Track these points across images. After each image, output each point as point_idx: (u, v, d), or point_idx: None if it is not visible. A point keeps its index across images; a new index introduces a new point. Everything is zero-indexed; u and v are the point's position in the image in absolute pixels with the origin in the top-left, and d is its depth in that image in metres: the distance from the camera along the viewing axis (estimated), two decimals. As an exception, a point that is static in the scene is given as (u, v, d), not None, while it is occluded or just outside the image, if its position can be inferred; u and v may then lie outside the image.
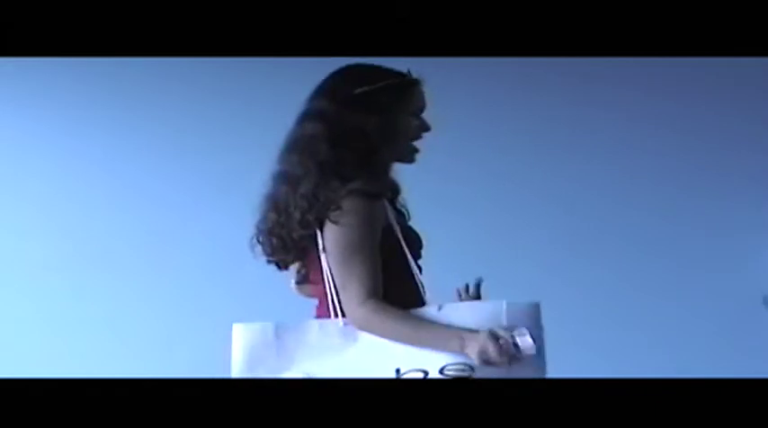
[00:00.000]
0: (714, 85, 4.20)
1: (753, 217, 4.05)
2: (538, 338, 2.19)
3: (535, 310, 2.25)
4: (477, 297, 2.54)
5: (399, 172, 2.44)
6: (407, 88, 2.41)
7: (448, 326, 2.23)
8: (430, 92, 2.47)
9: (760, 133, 4.18)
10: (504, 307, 2.22)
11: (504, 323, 2.21)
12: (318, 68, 2.52)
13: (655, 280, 4.15)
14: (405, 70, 2.43)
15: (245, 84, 4.13)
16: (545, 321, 2.27)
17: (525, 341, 2.12)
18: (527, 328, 2.13)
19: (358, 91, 2.36)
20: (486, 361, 2.13)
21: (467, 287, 2.58)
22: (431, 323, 2.26)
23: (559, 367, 2.26)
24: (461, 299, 2.55)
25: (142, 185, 4.28)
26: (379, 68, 2.43)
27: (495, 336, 2.14)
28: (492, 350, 2.12)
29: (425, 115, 2.45)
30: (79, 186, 4.28)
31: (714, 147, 4.21)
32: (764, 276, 4.11)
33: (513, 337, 2.13)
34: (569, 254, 4.13)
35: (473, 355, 2.14)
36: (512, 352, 2.11)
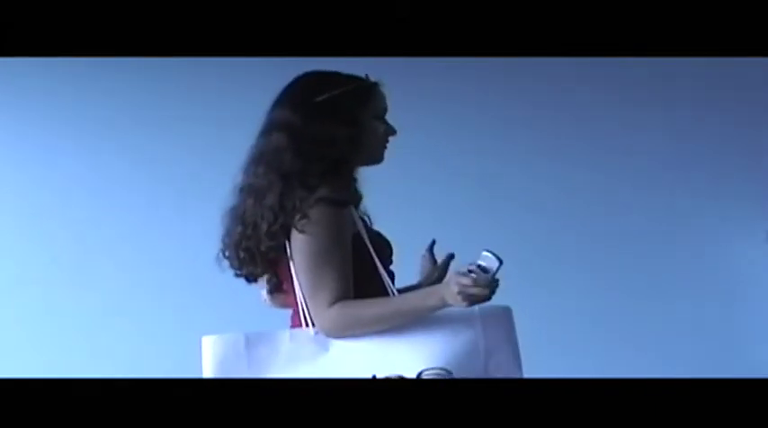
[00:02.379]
0: (689, 85, 4.20)
1: (730, 216, 4.04)
2: (512, 341, 2.24)
3: (507, 313, 2.28)
4: (435, 261, 2.53)
5: (370, 174, 2.43)
6: (369, 91, 2.38)
7: (418, 290, 2.29)
8: (403, 93, 2.46)
9: (739, 134, 4.17)
10: (478, 311, 2.22)
11: (480, 327, 2.23)
12: (316, 69, 2.50)
13: (631, 280, 4.15)
14: (363, 75, 2.40)
15: (234, 86, 4.13)
16: (520, 323, 2.29)
17: (487, 258, 2.12)
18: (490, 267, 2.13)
19: (320, 98, 2.33)
20: (471, 297, 2.12)
21: (431, 251, 2.56)
22: (401, 295, 2.29)
23: (535, 368, 2.28)
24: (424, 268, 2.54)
25: (115, 192, 4.24)
26: (338, 74, 2.40)
27: (461, 273, 2.14)
28: (467, 282, 2.12)
29: (395, 117, 2.43)
30: (51, 194, 4.23)
31: (690, 147, 4.20)
32: (743, 276, 4.10)
33: (474, 264, 2.13)
34: (543, 254, 4.13)
35: (457, 298, 2.13)
36: (484, 279, 2.11)
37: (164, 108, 4.22)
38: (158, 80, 4.17)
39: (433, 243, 2.50)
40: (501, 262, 2.11)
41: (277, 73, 2.47)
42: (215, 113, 4.15)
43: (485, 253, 2.14)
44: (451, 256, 2.50)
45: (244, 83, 4.02)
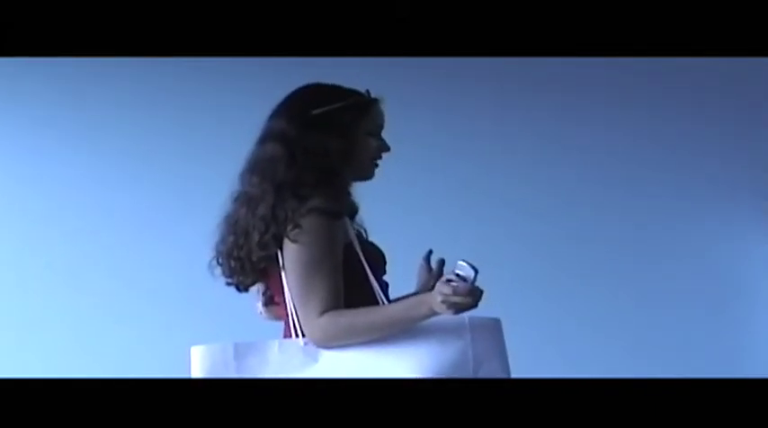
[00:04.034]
0: (688, 87, 4.19)
1: (727, 219, 4.04)
2: (501, 352, 2.26)
3: (496, 325, 2.29)
4: (431, 270, 2.54)
5: (364, 183, 2.44)
6: (367, 108, 2.39)
7: (406, 299, 2.30)
8: (398, 99, 2.47)
9: (737, 137, 4.16)
10: (467, 322, 2.24)
11: (469, 337, 2.24)
12: (316, 69, 2.51)
13: (627, 284, 4.14)
14: (364, 90, 2.41)
15: (233, 87, 4.11)
16: (514, 327, 2.31)
17: (462, 267, 2.16)
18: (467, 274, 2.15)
19: (316, 111, 2.35)
20: (454, 305, 2.14)
21: (427, 257, 2.59)
22: (391, 305, 2.30)
23: (526, 370, 2.30)
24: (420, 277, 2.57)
25: (111, 196, 4.21)
26: (338, 88, 2.41)
27: (444, 282, 2.16)
28: (448, 291, 2.14)
29: (391, 125, 2.44)
30: (46, 198, 4.21)
31: (688, 149, 4.19)
32: (740, 278, 4.10)
33: (452, 273, 2.17)
34: (538, 261, 4.12)
35: (442, 307, 2.15)
36: (464, 288, 2.14)
37: (160, 110, 4.20)
38: (155, 81, 4.16)
39: (430, 252, 2.53)
40: (476, 271, 2.14)
41: (277, 73, 2.49)
42: (213, 116, 4.14)
43: (460, 262, 2.16)
44: (442, 262, 2.52)
45: (243, 84, 4.02)
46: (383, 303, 2.32)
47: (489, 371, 2.24)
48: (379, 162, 2.43)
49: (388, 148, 2.42)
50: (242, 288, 2.42)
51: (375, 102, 2.41)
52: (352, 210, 2.39)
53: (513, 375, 2.28)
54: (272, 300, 2.42)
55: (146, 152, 4.19)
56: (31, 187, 4.22)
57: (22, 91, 4.21)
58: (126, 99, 4.20)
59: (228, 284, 2.42)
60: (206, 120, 4.15)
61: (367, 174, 2.43)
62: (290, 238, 2.26)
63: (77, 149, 4.23)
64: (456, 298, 2.13)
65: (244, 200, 2.36)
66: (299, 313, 2.28)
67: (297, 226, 2.25)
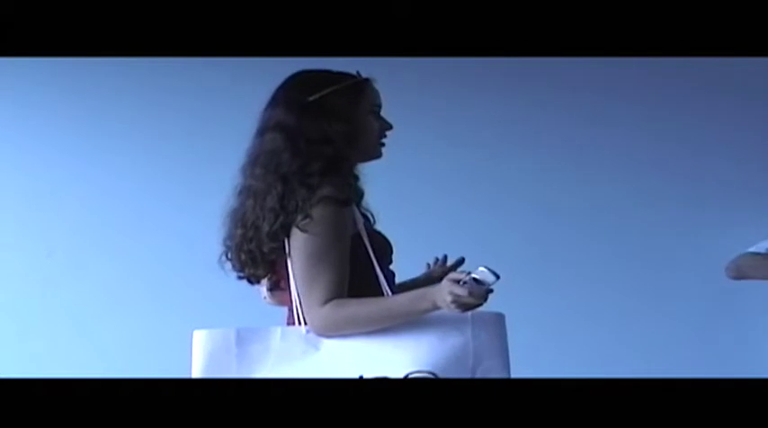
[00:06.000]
0: (691, 86, 4.20)
1: (724, 217, 4.04)
2: (502, 348, 2.25)
3: (500, 320, 2.28)
4: (444, 264, 2.60)
5: (373, 172, 2.45)
6: (361, 88, 2.40)
7: (410, 292, 2.29)
8: (408, 92, 2.47)
9: (731, 136, 4.17)
10: (470, 316, 2.23)
11: (470, 332, 2.24)
12: (316, 68, 2.51)
13: (628, 282, 4.14)
14: (354, 71, 2.43)
15: (234, 85, 4.13)
16: (517, 321, 2.31)
17: (483, 273, 2.13)
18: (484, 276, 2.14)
19: (312, 97, 2.34)
20: (464, 306, 2.14)
21: (436, 259, 2.63)
22: (394, 296, 2.29)
23: (529, 368, 2.29)
24: (430, 269, 2.61)
25: (112, 187, 4.24)
26: (329, 72, 2.42)
27: (455, 280, 2.15)
28: (461, 291, 2.13)
29: (402, 116, 2.44)
30: (47, 188, 4.24)
31: (689, 147, 4.20)
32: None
33: (469, 274, 2.15)
34: (545, 255, 4.13)
35: (450, 306, 2.14)
36: (479, 290, 2.13)
37: (162, 105, 4.23)
38: (157, 78, 4.18)
39: (445, 258, 2.57)
40: (498, 277, 2.12)
41: (278, 72, 2.48)
42: (214, 111, 4.15)
43: (481, 268, 2.14)
44: (461, 261, 2.53)
45: (243, 83, 4.01)
46: (387, 294, 2.31)
47: (489, 368, 2.25)
48: (388, 161, 2.43)
49: (390, 127, 2.43)
50: (254, 280, 2.43)
51: (368, 81, 2.42)
52: (359, 195, 2.39)
53: (514, 372, 2.28)
54: (278, 286, 2.42)
55: (148, 143, 4.21)
56: (32, 178, 4.23)
57: (26, 85, 4.23)
58: (128, 91, 4.22)
59: (240, 278, 2.43)
60: (209, 114, 4.16)
61: (374, 154, 2.43)
62: (299, 228, 2.26)
63: (79, 140, 4.24)
64: (469, 299, 2.13)
65: (249, 193, 2.36)
66: (302, 301, 2.29)
67: (307, 216, 2.25)
